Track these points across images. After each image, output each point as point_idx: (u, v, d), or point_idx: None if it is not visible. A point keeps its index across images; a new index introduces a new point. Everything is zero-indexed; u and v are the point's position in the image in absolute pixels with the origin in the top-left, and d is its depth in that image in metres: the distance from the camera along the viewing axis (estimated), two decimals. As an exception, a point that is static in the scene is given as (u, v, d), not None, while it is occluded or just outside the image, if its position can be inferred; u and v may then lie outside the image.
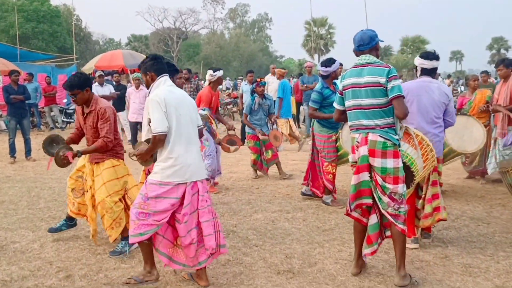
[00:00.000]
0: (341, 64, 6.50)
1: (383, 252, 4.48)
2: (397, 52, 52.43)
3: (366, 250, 3.96)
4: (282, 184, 7.51)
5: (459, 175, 7.97)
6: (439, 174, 4.56)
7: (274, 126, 8.25)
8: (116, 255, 4.51)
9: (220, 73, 7.11)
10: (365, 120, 3.76)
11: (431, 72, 4.56)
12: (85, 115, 4.62)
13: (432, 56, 4.55)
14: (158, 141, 3.61)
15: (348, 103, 3.87)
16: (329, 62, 6.09)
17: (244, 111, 8.23)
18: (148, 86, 3.91)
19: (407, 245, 4.13)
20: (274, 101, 13.04)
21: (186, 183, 3.66)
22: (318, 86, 6.14)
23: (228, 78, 37.05)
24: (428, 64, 4.51)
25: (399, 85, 3.66)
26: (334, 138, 6.07)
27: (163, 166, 3.66)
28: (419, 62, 4.60)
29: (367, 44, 3.83)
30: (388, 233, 3.94)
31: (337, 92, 4.06)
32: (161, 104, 3.59)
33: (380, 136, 3.69)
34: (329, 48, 54.07)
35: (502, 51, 69.19)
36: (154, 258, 3.93)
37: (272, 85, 13.17)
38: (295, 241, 4.86)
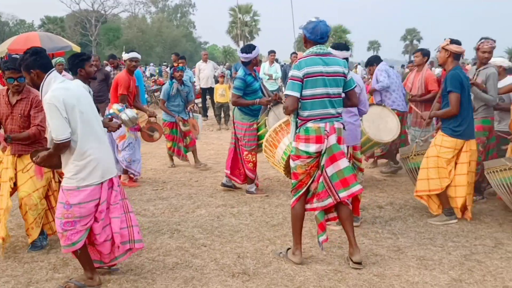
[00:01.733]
0: (295, 53, 6.31)
1: (337, 247, 4.37)
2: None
3: (321, 237, 3.98)
4: (222, 175, 7.19)
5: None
6: (359, 161, 4.97)
7: (192, 115, 7.95)
8: (37, 249, 4.28)
9: (136, 54, 6.70)
10: (332, 109, 3.84)
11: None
12: (13, 103, 4.17)
13: (342, 46, 4.72)
14: (62, 148, 3.35)
15: (315, 91, 3.79)
16: (250, 48, 5.91)
17: (161, 97, 7.88)
18: (35, 86, 3.53)
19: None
20: (208, 88, 12.69)
21: (102, 182, 3.49)
22: (240, 73, 5.94)
23: (152, 64, 35.79)
24: (339, 54, 4.53)
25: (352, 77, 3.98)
26: (255, 126, 5.95)
27: (76, 170, 3.38)
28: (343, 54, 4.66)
29: (327, 36, 3.88)
30: (331, 215, 4.08)
31: (292, 80, 3.82)
32: (60, 109, 3.25)
33: (341, 123, 3.92)
34: (254, 35, 54.11)
35: (415, 42, 73.32)
36: (93, 263, 3.62)
37: (203, 72, 12.77)
38: (245, 238, 4.60)
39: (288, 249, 4.14)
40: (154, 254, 4.23)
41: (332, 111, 3.83)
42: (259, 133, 5.96)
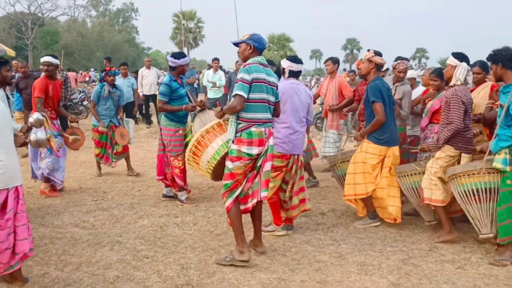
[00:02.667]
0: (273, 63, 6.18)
1: (280, 255, 4.41)
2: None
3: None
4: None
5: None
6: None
7: (123, 122, 7.79)
8: None
9: (48, 58, 6.48)
10: (270, 114, 4.18)
11: (297, 75, 4.97)
12: None
13: (299, 60, 4.97)
14: None
15: (259, 95, 4.05)
16: (180, 55, 5.99)
17: (91, 98, 7.69)
18: None
19: (277, 233, 4.92)
20: (152, 95, 12.44)
21: (8, 188, 3.53)
22: (165, 78, 5.97)
23: (93, 69, 34.75)
24: (295, 67, 4.89)
25: None
26: (181, 132, 5.95)
27: None
28: (287, 64, 4.92)
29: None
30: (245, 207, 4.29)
31: (242, 81, 3.98)
32: None
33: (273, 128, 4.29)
34: (199, 42, 53.82)
35: (355, 51, 75.59)
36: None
37: (146, 79, 12.55)
38: (189, 248, 4.55)
39: (231, 251, 4.18)
40: (93, 267, 4.08)
41: (270, 116, 4.18)
42: (186, 139, 5.93)
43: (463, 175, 4.41)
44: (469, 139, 4.71)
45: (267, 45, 4.15)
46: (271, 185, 4.50)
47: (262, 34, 4.27)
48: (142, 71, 12.67)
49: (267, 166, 4.14)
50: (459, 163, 4.76)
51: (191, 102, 6.03)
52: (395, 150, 5.15)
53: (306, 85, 10.30)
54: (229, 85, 12.21)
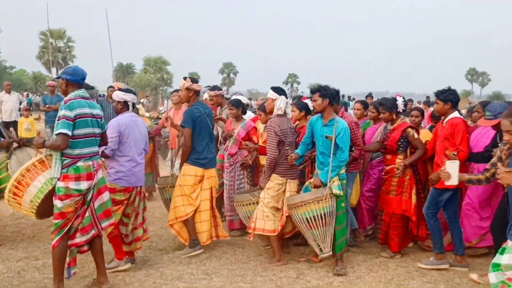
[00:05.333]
0: (111, 86, 6.10)
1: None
2: (140, 71, 53.01)
3: (74, 270, 4.24)
4: (26, 223, 6.52)
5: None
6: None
7: None
8: None
9: None
10: (97, 147, 4.23)
11: (134, 107, 5.15)
12: None
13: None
14: None
15: (84, 131, 4.05)
16: None
17: None
18: None
19: (121, 267, 4.80)
20: (12, 121, 11.41)
21: None
22: None
23: None
24: (131, 99, 5.00)
25: None
26: None
27: None
28: (125, 97, 4.96)
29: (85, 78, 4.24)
30: (83, 248, 4.27)
31: (64, 119, 3.94)
32: None
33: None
34: (69, 62, 50.95)
35: (232, 75, 77.40)
36: None
37: (6, 104, 11.55)
38: (50, 296, 4.21)
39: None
40: None
41: (96, 149, 4.22)
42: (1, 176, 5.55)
43: (312, 202, 4.71)
44: (292, 165, 5.09)
45: (86, 75, 4.20)
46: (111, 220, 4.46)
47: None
48: (1, 95, 11.64)
49: (103, 198, 4.24)
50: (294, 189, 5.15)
51: (5, 138, 5.69)
52: (212, 172, 5.41)
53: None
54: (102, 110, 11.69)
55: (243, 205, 5.34)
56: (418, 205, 5.23)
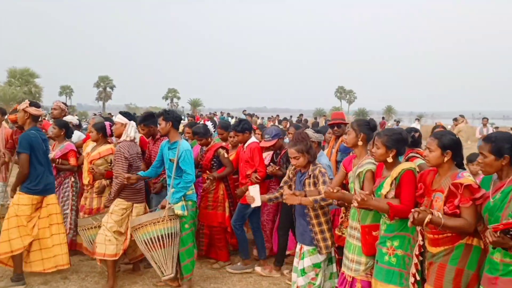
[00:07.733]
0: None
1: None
2: (4, 84, 48.55)
3: None
4: None
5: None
6: None
7: None
8: None
9: None
10: None
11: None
12: None
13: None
14: None
15: None
16: None
17: None
18: None
19: None
20: None
21: None
22: None
23: None
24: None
25: None
26: None
27: None
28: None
29: None
30: None
31: None
32: None
33: None
34: None
35: (108, 89, 74.34)
36: None
37: None
38: None
39: None
40: None
41: None
42: None
43: (149, 224, 4.78)
44: (139, 190, 5.20)
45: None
46: None
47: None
48: None
49: None
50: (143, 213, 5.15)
51: None
52: (50, 199, 5.15)
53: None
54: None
55: (86, 229, 5.30)
56: (230, 217, 5.80)
